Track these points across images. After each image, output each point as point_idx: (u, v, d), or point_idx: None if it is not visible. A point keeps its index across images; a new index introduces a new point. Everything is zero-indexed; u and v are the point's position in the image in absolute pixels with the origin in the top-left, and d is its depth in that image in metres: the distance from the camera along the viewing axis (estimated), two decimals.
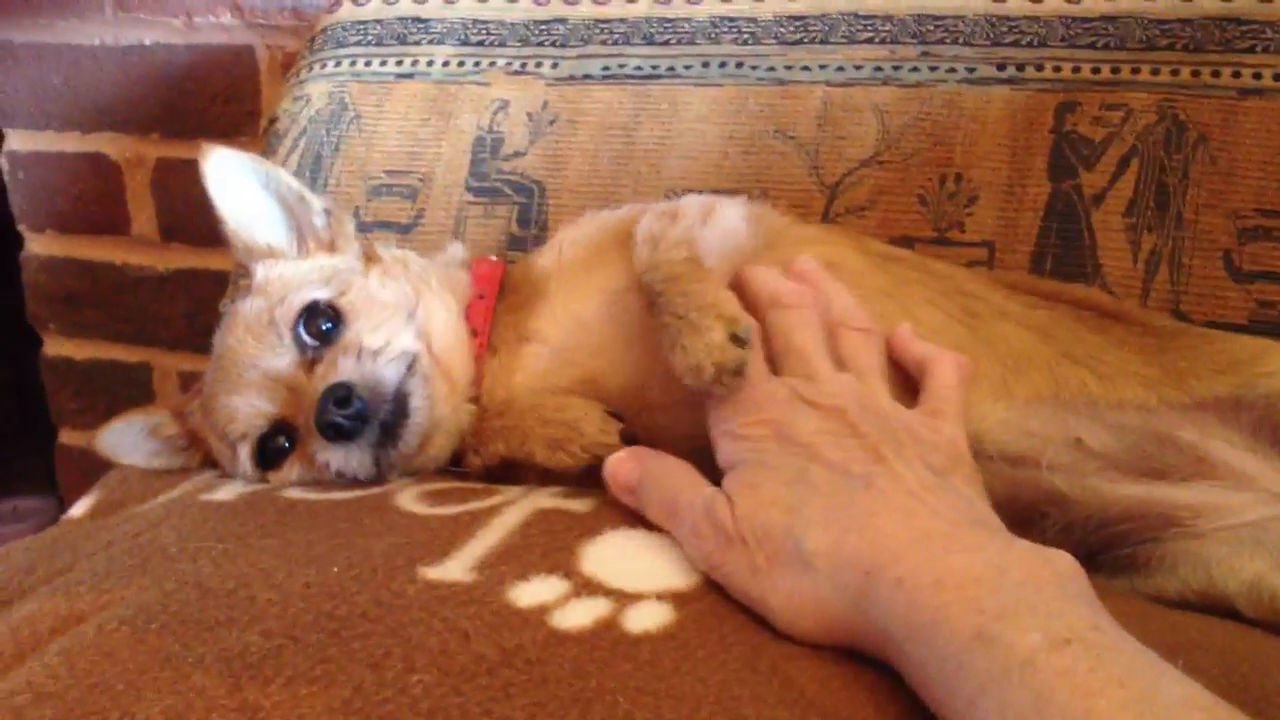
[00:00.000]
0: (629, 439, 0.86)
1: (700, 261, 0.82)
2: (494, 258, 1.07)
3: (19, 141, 1.94)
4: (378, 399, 0.86)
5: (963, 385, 0.78)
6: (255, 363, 0.90)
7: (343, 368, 0.87)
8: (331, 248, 1.00)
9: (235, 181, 0.99)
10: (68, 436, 2.07)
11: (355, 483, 0.88)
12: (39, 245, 1.97)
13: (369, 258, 0.99)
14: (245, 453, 0.92)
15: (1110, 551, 0.82)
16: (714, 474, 0.75)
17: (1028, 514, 0.82)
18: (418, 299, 0.94)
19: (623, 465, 0.77)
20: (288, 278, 0.96)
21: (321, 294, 0.92)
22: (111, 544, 0.75)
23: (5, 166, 1.94)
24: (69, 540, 0.79)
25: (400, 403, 0.87)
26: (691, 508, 0.70)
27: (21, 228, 1.97)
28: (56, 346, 2.02)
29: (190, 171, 1.81)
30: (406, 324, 0.92)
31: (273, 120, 1.38)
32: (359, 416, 0.85)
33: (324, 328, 0.91)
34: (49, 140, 1.92)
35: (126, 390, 1.99)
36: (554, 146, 1.26)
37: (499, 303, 0.98)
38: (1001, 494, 0.81)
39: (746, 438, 0.71)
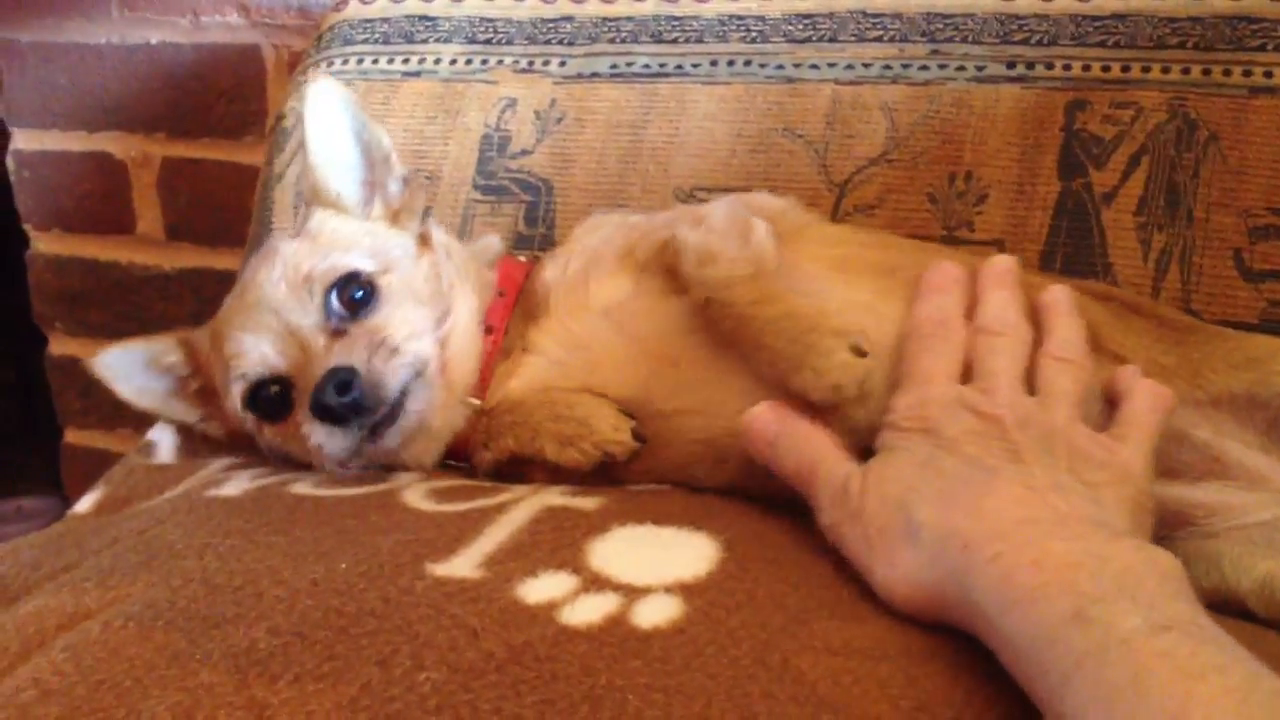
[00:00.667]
0: (640, 438, 0.86)
1: (766, 277, 0.84)
2: (522, 257, 1.07)
3: (25, 140, 1.94)
4: (377, 398, 0.86)
5: (1156, 413, 0.78)
6: (279, 310, 0.90)
7: (356, 355, 0.86)
8: (395, 219, 1.00)
9: (332, 117, 0.99)
10: (73, 436, 2.07)
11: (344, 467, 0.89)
12: (44, 244, 1.97)
13: (423, 241, 0.99)
14: (238, 391, 0.91)
15: None
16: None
17: None
18: (450, 301, 0.94)
19: (761, 417, 0.79)
20: (340, 234, 0.96)
21: (365, 265, 0.92)
22: (117, 540, 0.75)
23: (11, 165, 1.94)
24: (75, 536, 0.79)
25: (395, 406, 0.87)
26: (831, 477, 0.74)
27: (27, 227, 1.97)
28: (62, 346, 2.01)
29: (196, 171, 1.83)
30: (434, 328, 0.92)
31: (280, 118, 1.38)
32: (354, 407, 0.84)
33: (355, 297, 0.90)
34: (55, 139, 1.92)
35: None
36: (561, 145, 1.25)
37: (518, 304, 0.98)
38: None
39: (902, 429, 0.74)
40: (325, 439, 0.86)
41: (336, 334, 0.89)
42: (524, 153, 1.26)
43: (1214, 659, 0.52)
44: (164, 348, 1.01)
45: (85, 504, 0.93)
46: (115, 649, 0.61)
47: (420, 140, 1.30)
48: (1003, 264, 0.85)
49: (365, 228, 0.98)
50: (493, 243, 1.07)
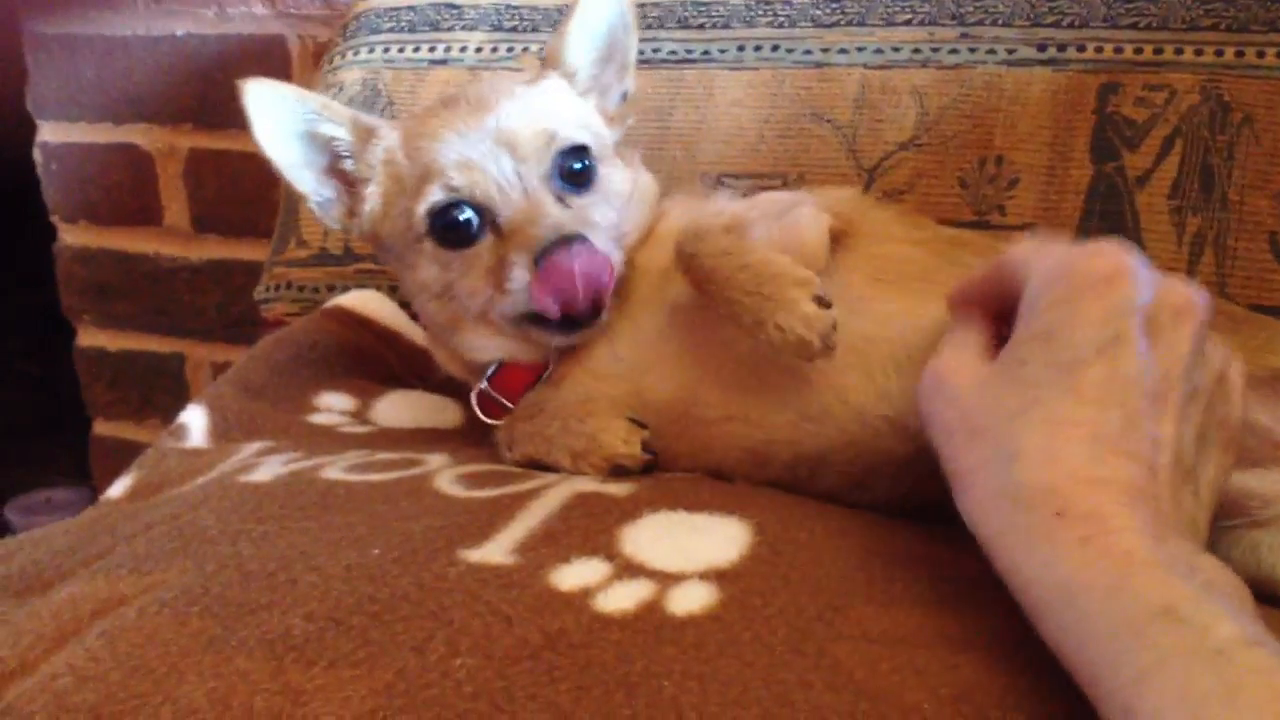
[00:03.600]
0: (651, 451, 0.84)
1: (742, 229, 0.83)
2: None
3: (52, 133, 1.94)
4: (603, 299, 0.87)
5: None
6: (514, 148, 0.89)
7: (603, 244, 0.87)
8: (609, 124, 1.01)
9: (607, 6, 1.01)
10: (102, 427, 2.08)
11: None
12: (72, 236, 1.98)
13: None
14: (426, 203, 0.90)
15: None
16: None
17: None
18: (627, 224, 0.95)
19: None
20: (575, 107, 0.98)
21: (592, 144, 0.94)
22: (151, 526, 0.75)
23: (38, 158, 1.95)
24: (108, 522, 0.79)
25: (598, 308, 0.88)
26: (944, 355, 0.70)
27: (54, 219, 1.98)
28: (90, 337, 2.03)
29: (222, 162, 1.84)
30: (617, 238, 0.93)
31: None
32: (595, 311, 0.87)
33: (576, 169, 0.92)
34: (81, 132, 1.93)
35: (160, 381, 2.00)
36: None
37: None
38: None
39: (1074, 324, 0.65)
40: (547, 334, 0.90)
41: (558, 198, 0.90)
42: None
43: None
44: (332, 114, 0.98)
45: (118, 489, 0.93)
46: (150, 635, 0.61)
47: None
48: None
49: (592, 113, 0.99)
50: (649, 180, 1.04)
